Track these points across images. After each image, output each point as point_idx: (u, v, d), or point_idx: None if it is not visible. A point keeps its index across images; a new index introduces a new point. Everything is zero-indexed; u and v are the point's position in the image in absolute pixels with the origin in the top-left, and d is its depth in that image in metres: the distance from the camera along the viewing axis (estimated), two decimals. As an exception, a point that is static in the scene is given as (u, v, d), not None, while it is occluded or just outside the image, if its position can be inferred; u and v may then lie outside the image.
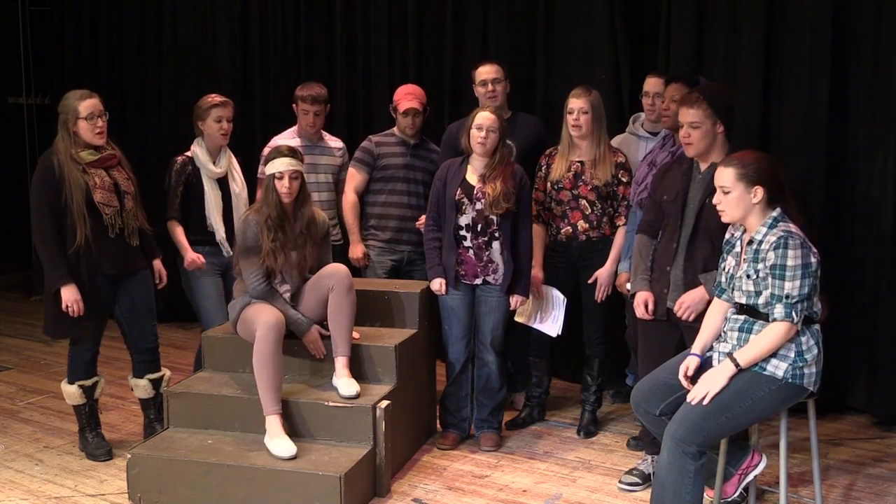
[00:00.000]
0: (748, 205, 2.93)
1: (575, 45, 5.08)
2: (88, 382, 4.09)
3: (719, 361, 2.97)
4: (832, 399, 4.41)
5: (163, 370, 4.25)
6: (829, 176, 4.40)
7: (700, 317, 3.23)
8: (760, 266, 2.89)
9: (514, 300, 4.11)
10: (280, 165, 3.75)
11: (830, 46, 4.32)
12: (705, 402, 2.87)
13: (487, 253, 4.05)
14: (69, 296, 3.83)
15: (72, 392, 4.07)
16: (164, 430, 3.83)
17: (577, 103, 4.11)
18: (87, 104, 3.87)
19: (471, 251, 4.06)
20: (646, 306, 3.51)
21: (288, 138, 4.63)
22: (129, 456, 3.62)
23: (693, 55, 4.65)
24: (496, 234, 4.03)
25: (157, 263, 4.19)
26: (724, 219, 3.00)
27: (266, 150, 4.44)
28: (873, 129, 4.32)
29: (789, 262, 2.83)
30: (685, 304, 3.35)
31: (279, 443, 3.53)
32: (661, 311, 3.47)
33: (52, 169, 3.84)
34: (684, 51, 4.66)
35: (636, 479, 3.74)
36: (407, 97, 4.50)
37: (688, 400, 2.92)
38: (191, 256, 4.22)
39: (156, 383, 4.20)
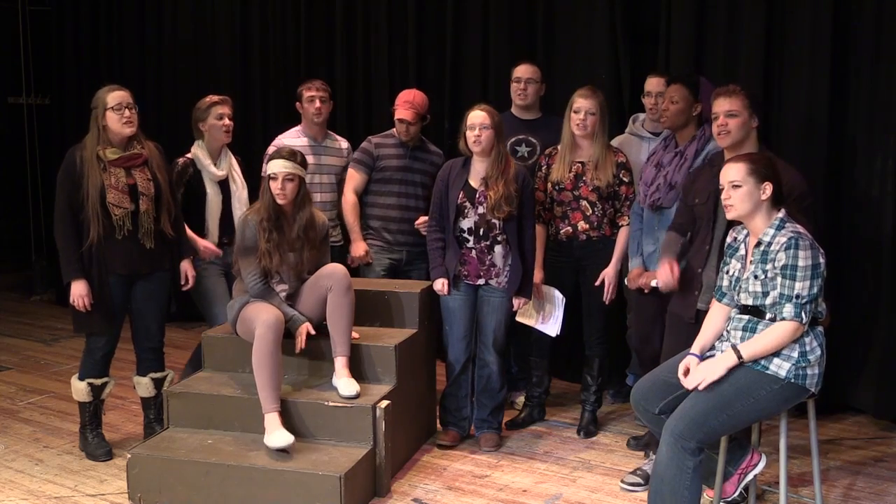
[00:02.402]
0: (757, 200, 2.94)
1: (575, 45, 5.08)
2: (98, 381, 4.09)
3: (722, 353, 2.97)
4: (833, 399, 4.41)
5: (167, 371, 4.26)
6: (829, 176, 4.40)
7: None
8: (769, 267, 2.90)
9: (517, 302, 4.11)
10: (275, 167, 3.75)
11: (830, 46, 4.32)
12: (701, 388, 2.87)
13: (489, 257, 4.05)
14: (76, 291, 3.87)
15: (80, 388, 4.08)
16: (164, 430, 3.83)
17: (585, 104, 4.11)
18: (115, 95, 3.91)
19: (473, 252, 4.06)
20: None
21: (293, 137, 4.62)
22: (129, 456, 3.62)
23: (693, 55, 4.65)
24: (498, 238, 4.03)
25: (185, 264, 4.15)
26: (730, 214, 3.00)
27: (271, 149, 4.45)
28: (873, 129, 4.32)
29: (800, 263, 2.84)
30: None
31: (276, 434, 3.52)
32: (691, 314, 3.46)
33: (74, 164, 3.87)
34: (684, 51, 4.66)
35: (639, 480, 3.73)
36: (403, 105, 4.46)
37: (684, 386, 2.92)
38: (203, 244, 4.22)
39: (158, 383, 4.21)
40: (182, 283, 4.18)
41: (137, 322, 4.12)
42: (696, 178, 3.59)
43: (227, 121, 4.29)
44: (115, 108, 3.88)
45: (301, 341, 3.81)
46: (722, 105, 3.37)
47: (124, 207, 3.89)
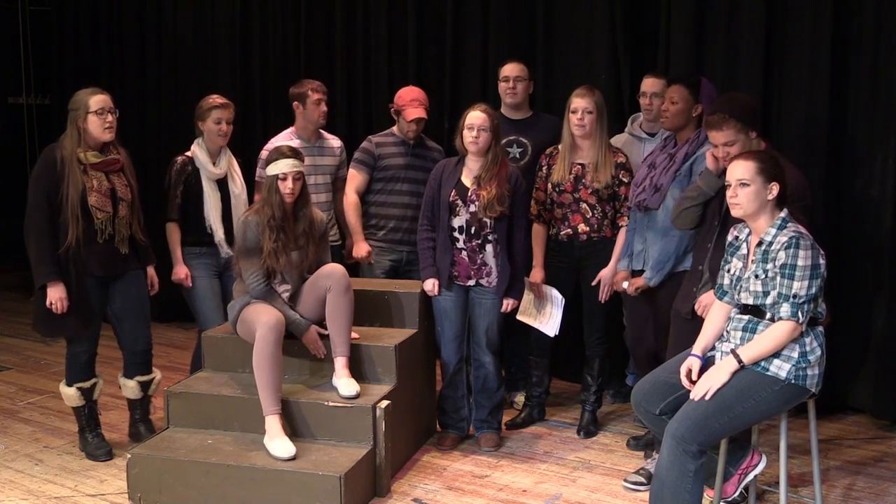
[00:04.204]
0: (763, 200, 2.93)
1: (575, 45, 5.08)
2: (87, 384, 4.08)
3: (721, 360, 2.97)
4: (833, 399, 4.41)
5: (154, 373, 4.25)
6: (829, 176, 4.40)
7: None
8: (769, 266, 2.90)
9: (507, 303, 4.10)
10: (284, 167, 3.75)
11: (830, 46, 4.32)
12: (707, 398, 2.87)
13: (481, 256, 4.05)
14: (54, 293, 3.83)
15: (70, 394, 4.07)
16: (164, 430, 3.83)
17: (581, 103, 4.11)
18: (98, 99, 3.89)
19: (464, 253, 4.06)
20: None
21: (286, 139, 4.61)
22: (129, 456, 3.62)
23: (693, 55, 4.65)
24: (489, 237, 4.03)
25: (151, 270, 4.17)
26: (736, 212, 2.99)
27: (264, 153, 4.44)
28: (873, 130, 4.32)
29: (800, 263, 2.84)
30: (704, 302, 3.35)
31: (279, 443, 3.53)
32: (688, 309, 3.46)
33: (53, 164, 3.84)
34: (684, 51, 4.66)
35: (641, 479, 3.74)
36: (413, 104, 4.46)
37: (691, 398, 2.92)
38: (179, 273, 4.24)
39: (144, 385, 4.20)
40: (148, 288, 4.17)
41: (122, 325, 4.10)
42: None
43: (224, 126, 4.28)
44: (98, 113, 3.86)
45: (319, 348, 3.83)
46: (717, 138, 3.32)
47: (106, 211, 3.88)
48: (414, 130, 4.50)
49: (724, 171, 3.38)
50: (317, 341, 3.83)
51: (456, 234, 4.06)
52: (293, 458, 3.50)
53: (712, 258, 3.39)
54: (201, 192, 4.28)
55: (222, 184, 4.34)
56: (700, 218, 3.54)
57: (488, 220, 4.01)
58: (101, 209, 3.87)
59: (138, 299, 4.10)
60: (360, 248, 4.53)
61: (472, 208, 4.02)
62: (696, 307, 3.39)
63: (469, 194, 4.02)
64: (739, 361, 2.89)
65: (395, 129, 4.60)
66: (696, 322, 3.42)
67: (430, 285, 4.10)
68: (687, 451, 2.88)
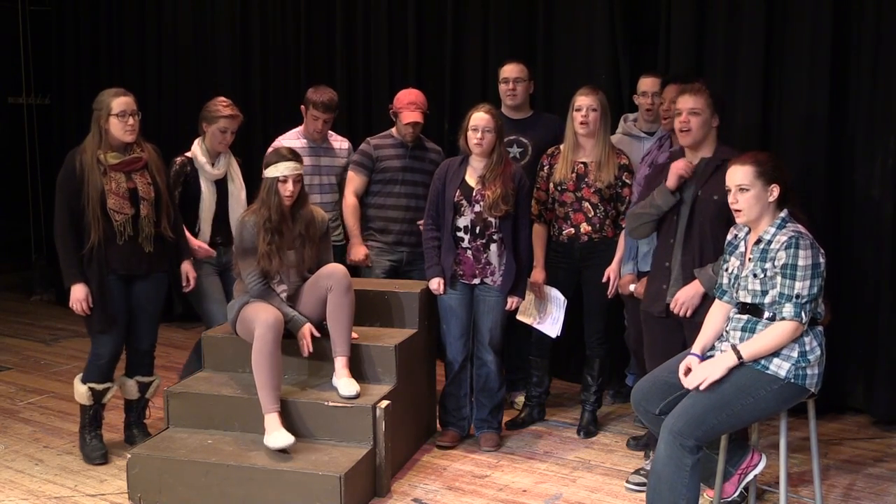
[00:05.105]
0: (765, 203, 2.93)
1: (575, 45, 5.08)
2: (100, 387, 4.08)
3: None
4: (832, 399, 4.41)
5: (154, 376, 4.25)
6: (829, 176, 4.40)
7: (696, 312, 3.27)
8: (768, 265, 2.90)
9: (511, 301, 4.11)
10: (284, 169, 3.75)
11: (830, 46, 4.33)
12: (702, 388, 2.87)
13: (485, 255, 4.05)
14: (75, 294, 3.87)
15: (82, 392, 4.07)
16: (164, 430, 3.83)
17: (585, 101, 4.11)
18: (120, 101, 3.89)
19: (469, 252, 4.07)
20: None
21: (293, 139, 4.61)
22: (129, 456, 3.63)
23: (693, 55, 4.65)
24: (494, 237, 4.04)
25: (186, 265, 4.15)
26: (740, 219, 2.99)
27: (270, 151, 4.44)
28: (873, 130, 4.32)
29: (800, 262, 2.84)
30: (680, 300, 3.38)
31: (276, 435, 3.53)
32: (661, 308, 3.48)
33: (73, 170, 3.86)
34: (684, 51, 4.66)
35: (643, 479, 3.73)
36: (410, 107, 4.46)
37: (686, 386, 2.92)
38: (196, 243, 4.22)
39: (143, 387, 4.21)
40: (183, 284, 4.17)
41: (131, 324, 4.09)
42: (660, 173, 3.60)
43: (228, 136, 4.28)
44: (120, 116, 3.87)
45: (307, 344, 3.82)
46: (686, 102, 3.36)
47: (125, 213, 3.88)
48: (411, 133, 4.50)
49: (678, 189, 3.41)
50: (306, 337, 3.81)
51: (461, 233, 4.07)
52: (291, 446, 3.49)
53: (684, 255, 3.40)
54: (199, 192, 4.27)
55: (221, 184, 4.34)
56: (655, 227, 3.57)
57: (493, 220, 4.01)
58: (118, 211, 3.87)
59: (154, 302, 4.10)
60: (358, 252, 4.53)
61: (477, 208, 4.02)
62: (672, 306, 3.40)
63: (474, 194, 4.03)
64: (739, 357, 2.89)
65: (393, 130, 4.60)
66: (670, 320, 3.44)
67: (436, 284, 4.10)
68: (684, 446, 2.88)
